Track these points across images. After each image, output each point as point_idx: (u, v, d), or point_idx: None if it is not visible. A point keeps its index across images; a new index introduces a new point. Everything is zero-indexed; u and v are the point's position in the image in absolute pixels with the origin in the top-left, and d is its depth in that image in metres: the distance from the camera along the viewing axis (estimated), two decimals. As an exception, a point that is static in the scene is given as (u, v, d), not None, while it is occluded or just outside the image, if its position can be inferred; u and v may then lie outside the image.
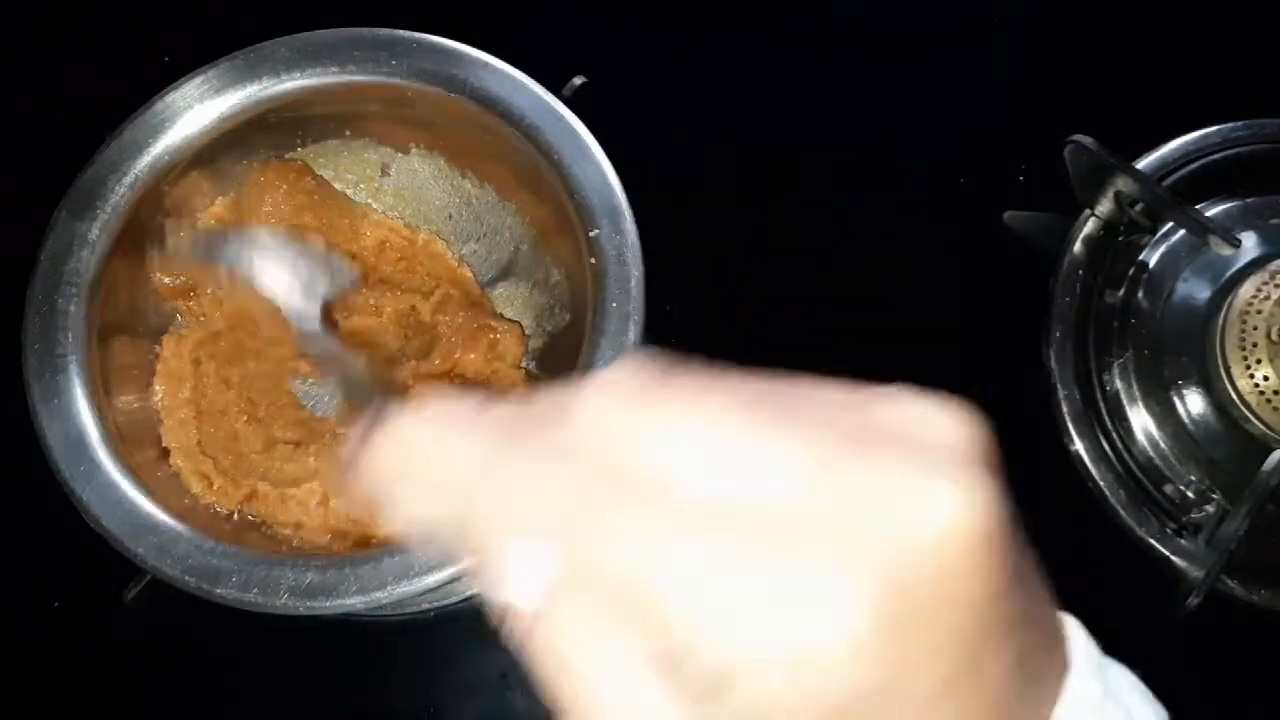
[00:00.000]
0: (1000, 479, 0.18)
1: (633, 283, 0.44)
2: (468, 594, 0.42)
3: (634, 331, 0.43)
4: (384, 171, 0.55)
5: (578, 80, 0.50)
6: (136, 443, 0.47)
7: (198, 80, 0.48)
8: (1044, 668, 0.20)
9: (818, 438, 0.18)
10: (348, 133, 0.53)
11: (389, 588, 0.41)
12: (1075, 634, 0.21)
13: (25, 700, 0.52)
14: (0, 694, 0.52)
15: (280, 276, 0.35)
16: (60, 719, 0.52)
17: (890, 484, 0.17)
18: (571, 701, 0.18)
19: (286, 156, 0.53)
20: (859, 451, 0.17)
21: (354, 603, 0.40)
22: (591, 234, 0.45)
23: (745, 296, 0.56)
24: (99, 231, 0.47)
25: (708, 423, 0.18)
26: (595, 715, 0.18)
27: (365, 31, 0.49)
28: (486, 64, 0.48)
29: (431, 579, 0.41)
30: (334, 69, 0.48)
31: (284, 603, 0.41)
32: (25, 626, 0.53)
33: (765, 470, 0.17)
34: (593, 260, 0.44)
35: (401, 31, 0.48)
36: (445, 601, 0.49)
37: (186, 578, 0.41)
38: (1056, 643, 0.20)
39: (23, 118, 0.62)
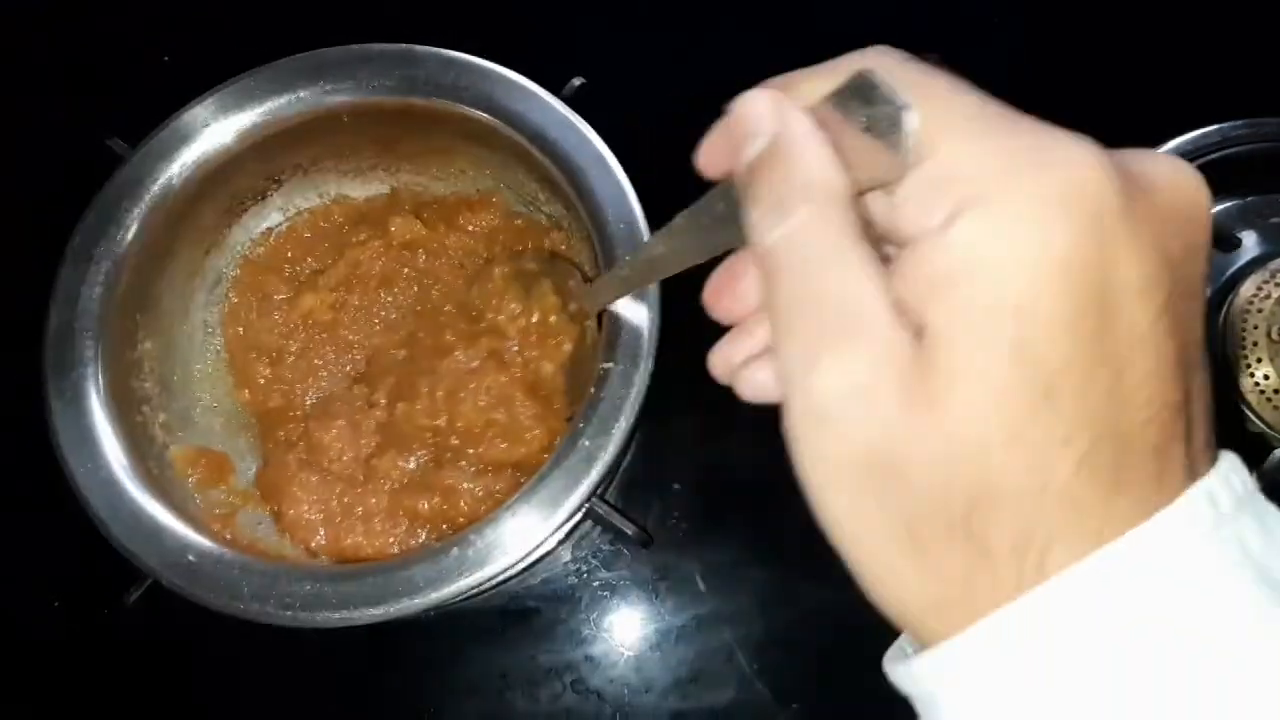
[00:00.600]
0: None
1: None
2: (471, 593, 0.42)
3: (648, 325, 0.44)
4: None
5: (577, 81, 0.50)
6: (148, 448, 0.47)
7: (210, 100, 0.49)
8: (1204, 424, 0.21)
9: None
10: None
11: (401, 601, 0.41)
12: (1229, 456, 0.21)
13: (25, 701, 0.52)
14: (0, 694, 0.52)
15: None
16: (60, 719, 0.53)
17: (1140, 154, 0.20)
18: (791, 297, 0.21)
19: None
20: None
21: (359, 616, 0.41)
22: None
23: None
24: (121, 238, 0.47)
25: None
26: (828, 309, 0.20)
27: (375, 47, 0.49)
28: (504, 78, 0.48)
29: (434, 595, 0.41)
30: (347, 84, 0.49)
31: (290, 615, 0.41)
32: (26, 627, 0.53)
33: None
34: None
35: (419, 47, 0.49)
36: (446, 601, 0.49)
37: (209, 594, 0.42)
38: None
39: (22, 118, 0.62)
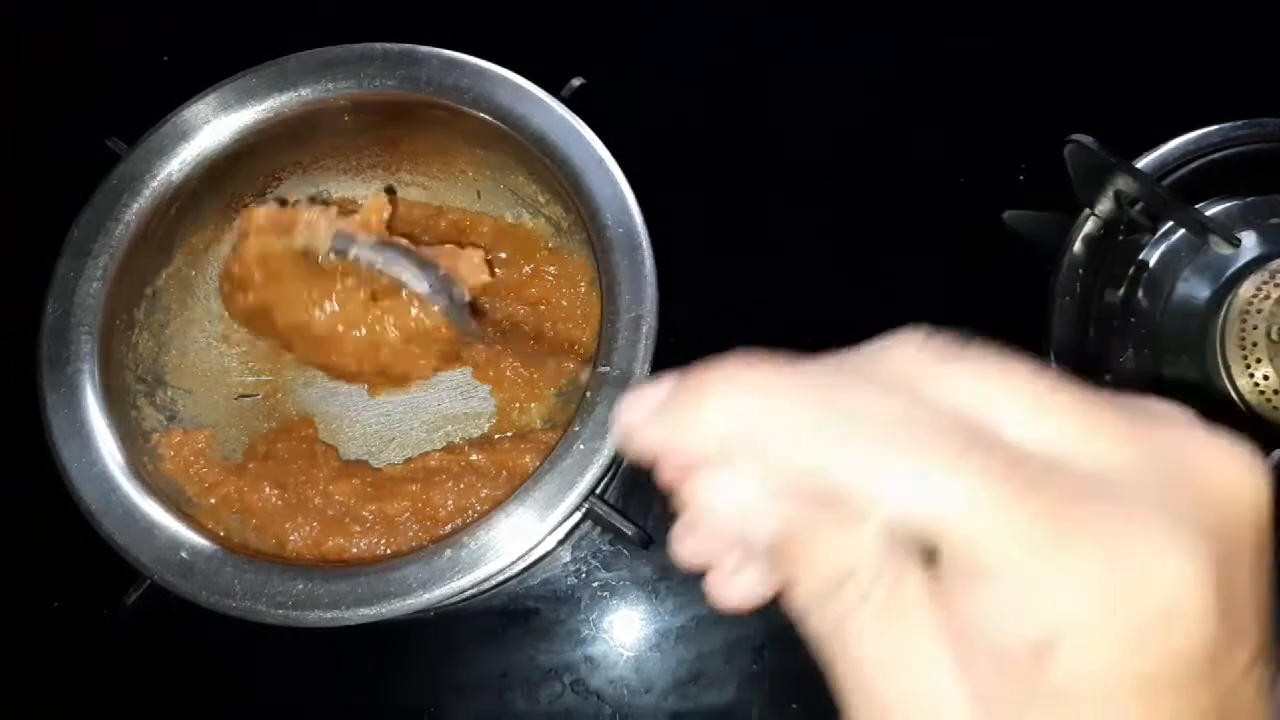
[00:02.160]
0: None
1: (646, 303, 0.44)
2: (470, 593, 0.42)
3: (647, 325, 0.44)
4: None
5: (577, 81, 0.50)
6: (142, 444, 0.47)
7: (211, 96, 0.49)
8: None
9: (1113, 409, 0.18)
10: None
11: (393, 601, 0.41)
12: None
13: (26, 701, 0.52)
14: (0, 694, 0.52)
15: (416, 277, 0.44)
16: (60, 719, 0.53)
17: (1203, 451, 0.17)
18: (858, 695, 0.18)
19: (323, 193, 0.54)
20: (1151, 419, 0.18)
21: (351, 616, 0.41)
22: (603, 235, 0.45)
23: (745, 297, 0.56)
24: (119, 234, 0.47)
25: (1021, 380, 0.18)
26: (885, 705, 0.18)
27: (377, 46, 0.49)
28: (505, 79, 0.48)
29: (427, 596, 0.41)
30: (349, 83, 0.49)
31: (282, 614, 0.41)
32: (26, 627, 0.53)
33: (1082, 429, 0.17)
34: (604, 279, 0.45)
35: (422, 47, 0.49)
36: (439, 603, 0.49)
37: (201, 591, 0.42)
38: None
39: (22, 117, 0.62)
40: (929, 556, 0.18)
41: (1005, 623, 0.17)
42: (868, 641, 0.18)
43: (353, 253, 0.44)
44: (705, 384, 0.19)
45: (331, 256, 0.44)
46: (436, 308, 0.45)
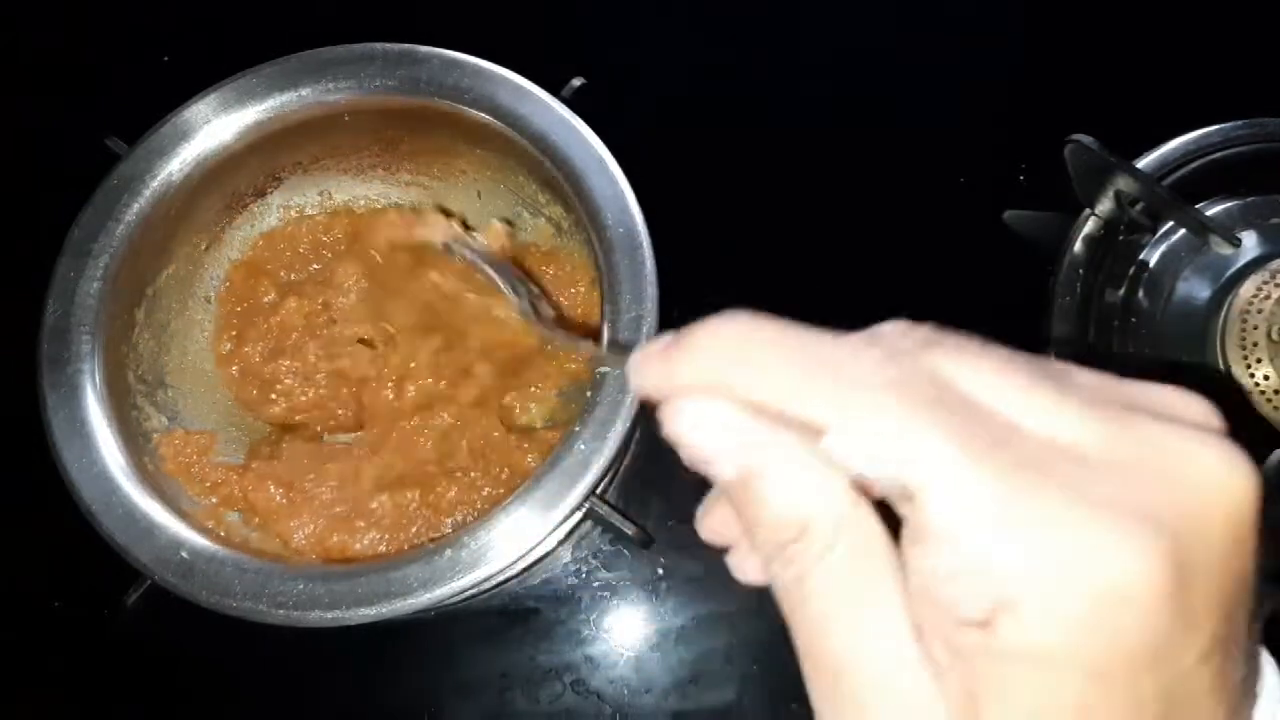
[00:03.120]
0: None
1: (647, 302, 0.44)
2: (470, 593, 0.42)
3: (648, 325, 0.44)
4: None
5: (577, 81, 0.50)
6: (143, 444, 0.47)
7: (212, 96, 0.49)
8: (1252, 659, 0.20)
9: (1100, 396, 0.18)
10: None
11: (394, 601, 0.41)
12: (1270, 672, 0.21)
13: (25, 701, 0.52)
14: (1, 695, 0.52)
15: (510, 288, 0.45)
16: (60, 719, 0.53)
17: (1183, 443, 0.17)
18: (812, 653, 0.19)
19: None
20: (1140, 413, 0.18)
21: (352, 616, 0.41)
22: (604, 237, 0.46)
23: (745, 297, 0.56)
24: (120, 233, 0.47)
25: (1001, 362, 0.18)
26: (846, 678, 0.18)
27: (378, 46, 0.49)
28: (506, 79, 0.48)
29: (427, 596, 0.41)
30: (349, 83, 0.49)
31: (283, 614, 0.41)
32: (26, 627, 0.53)
33: (1059, 412, 0.18)
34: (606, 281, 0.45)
35: (422, 47, 0.49)
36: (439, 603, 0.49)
37: (201, 591, 0.42)
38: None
39: (22, 117, 0.62)
40: (893, 517, 0.18)
41: (959, 584, 0.17)
42: (824, 597, 0.18)
43: (462, 253, 0.46)
44: (696, 329, 0.20)
45: (445, 251, 0.47)
46: (519, 314, 0.46)
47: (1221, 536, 0.17)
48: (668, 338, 0.20)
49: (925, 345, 0.19)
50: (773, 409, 0.18)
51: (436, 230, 0.47)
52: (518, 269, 0.48)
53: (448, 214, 0.51)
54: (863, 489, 0.18)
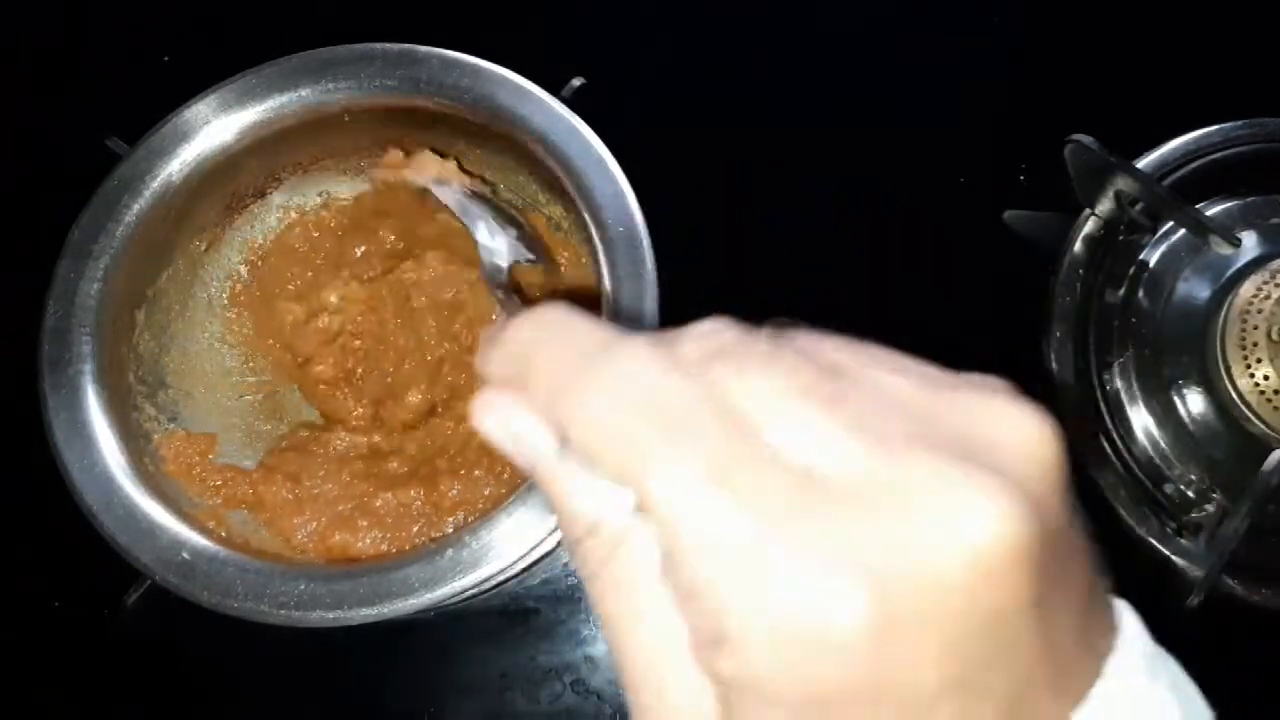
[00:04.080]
0: (1059, 494, 0.18)
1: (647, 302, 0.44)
2: (470, 593, 0.42)
3: (647, 325, 0.44)
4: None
5: (577, 81, 0.50)
6: (143, 445, 0.47)
7: (211, 97, 0.49)
8: (1075, 666, 0.19)
9: (878, 422, 0.18)
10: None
11: (395, 602, 0.41)
12: (1129, 625, 0.20)
13: (26, 701, 0.52)
14: (1, 695, 0.52)
15: (489, 231, 0.47)
16: (60, 719, 0.53)
17: (938, 488, 0.17)
18: (609, 645, 0.19)
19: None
20: (916, 443, 0.17)
21: (353, 616, 0.41)
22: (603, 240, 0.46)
23: (745, 299, 0.56)
24: (120, 234, 0.47)
25: (783, 379, 0.18)
26: (630, 680, 0.19)
27: (377, 46, 0.49)
28: (506, 79, 0.48)
29: (429, 596, 0.41)
30: (349, 84, 0.49)
31: (284, 614, 0.41)
32: (26, 627, 0.53)
33: (825, 438, 0.17)
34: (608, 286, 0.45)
35: (421, 47, 0.49)
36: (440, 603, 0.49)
37: (202, 592, 0.42)
38: (1094, 642, 0.20)
39: (22, 117, 0.62)
40: None
41: (690, 608, 0.17)
42: (610, 599, 0.19)
43: (444, 195, 0.48)
44: (517, 323, 0.20)
45: (425, 194, 0.49)
46: (483, 273, 0.46)
47: (963, 589, 0.16)
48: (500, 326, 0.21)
49: (713, 356, 0.18)
50: (552, 417, 0.19)
51: (425, 170, 0.48)
52: (515, 222, 0.49)
53: (443, 155, 0.51)
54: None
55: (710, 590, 0.17)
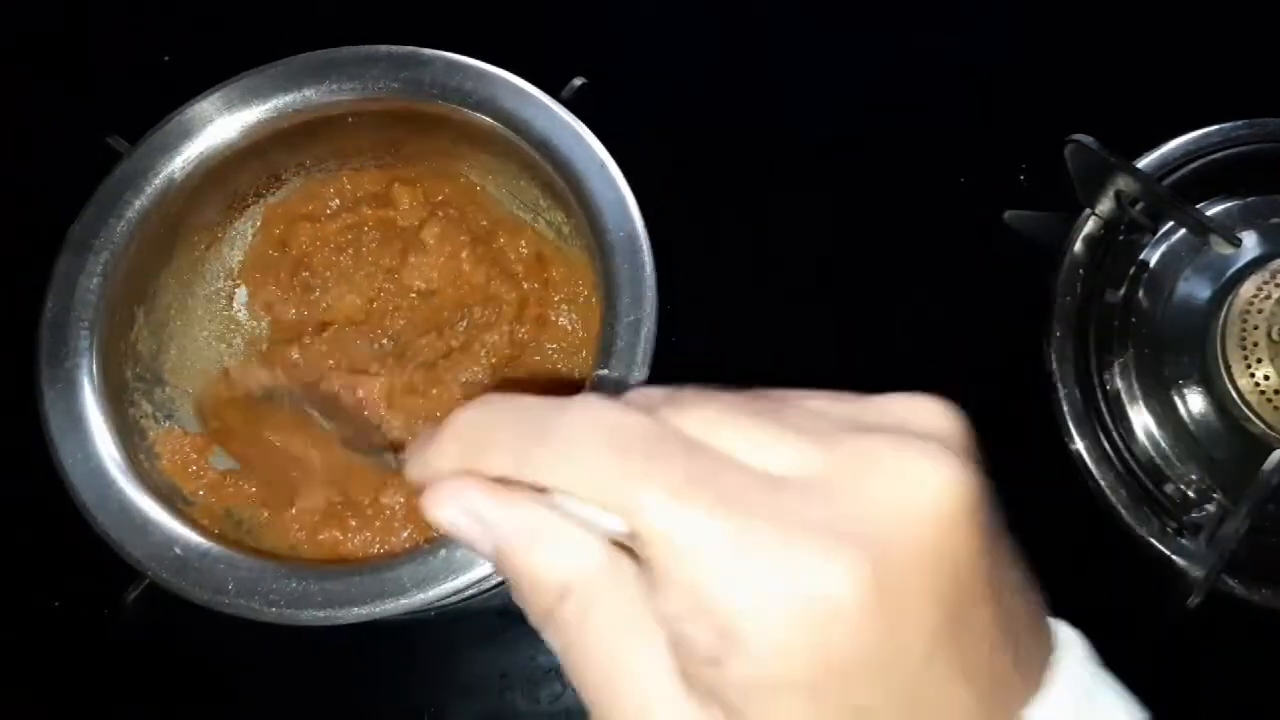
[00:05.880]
0: (978, 462, 0.20)
1: (646, 304, 0.44)
2: (468, 594, 0.42)
3: (646, 329, 0.44)
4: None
5: (577, 81, 0.50)
6: (139, 441, 0.47)
7: (216, 95, 0.49)
8: (1027, 636, 0.20)
9: (812, 424, 0.20)
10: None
11: (386, 602, 0.41)
12: (1074, 643, 0.22)
13: (26, 700, 0.52)
14: (0, 694, 0.52)
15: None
16: (60, 719, 0.53)
17: (885, 460, 0.19)
18: (587, 688, 0.20)
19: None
20: (854, 432, 0.19)
21: (344, 615, 0.41)
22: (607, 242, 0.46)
23: (745, 297, 0.56)
24: (121, 230, 0.47)
25: (722, 407, 0.20)
26: (613, 714, 0.19)
27: (381, 49, 0.49)
28: (509, 83, 0.48)
29: (420, 597, 0.41)
30: (353, 85, 0.49)
31: (275, 612, 0.41)
32: (25, 626, 0.53)
33: (775, 444, 0.19)
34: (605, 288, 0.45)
35: (426, 50, 0.49)
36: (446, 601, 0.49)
37: (195, 588, 0.42)
38: (1040, 618, 0.21)
39: (22, 117, 0.62)
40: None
41: (689, 625, 0.18)
42: (594, 650, 0.19)
43: (283, 400, 0.48)
44: (447, 422, 0.21)
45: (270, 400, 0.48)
46: (343, 445, 0.47)
47: (934, 541, 0.18)
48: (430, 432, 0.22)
49: (655, 405, 0.20)
50: (515, 480, 0.20)
51: (252, 381, 0.48)
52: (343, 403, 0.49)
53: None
54: (618, 542, 0.20)
55: (718, 594, 0.18)
